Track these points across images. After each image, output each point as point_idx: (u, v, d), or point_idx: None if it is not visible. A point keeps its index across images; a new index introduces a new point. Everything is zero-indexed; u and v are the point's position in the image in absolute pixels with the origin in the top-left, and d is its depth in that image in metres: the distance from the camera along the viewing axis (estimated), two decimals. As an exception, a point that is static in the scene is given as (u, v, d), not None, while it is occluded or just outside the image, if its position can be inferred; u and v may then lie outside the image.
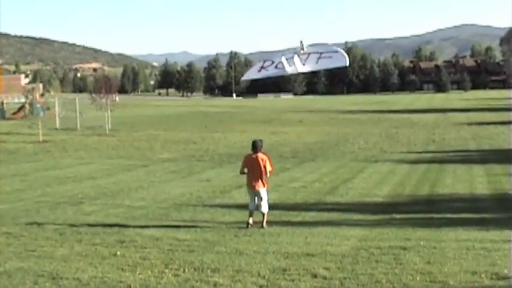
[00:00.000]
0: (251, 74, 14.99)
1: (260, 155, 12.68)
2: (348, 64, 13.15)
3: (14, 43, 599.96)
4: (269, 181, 13.22)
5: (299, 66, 13.16)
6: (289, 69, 13.34)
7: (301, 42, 13.21)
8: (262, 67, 13.99)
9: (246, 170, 12.76)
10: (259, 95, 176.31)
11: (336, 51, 13.67)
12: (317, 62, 13.21)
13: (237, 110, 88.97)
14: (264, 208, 12.59)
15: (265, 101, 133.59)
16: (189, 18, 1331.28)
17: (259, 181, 12.57)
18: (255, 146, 12.76)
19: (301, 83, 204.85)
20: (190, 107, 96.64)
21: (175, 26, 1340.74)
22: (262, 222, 12.54)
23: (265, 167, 12.56)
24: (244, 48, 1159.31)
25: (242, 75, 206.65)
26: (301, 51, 13.11)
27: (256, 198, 12.61)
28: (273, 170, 12.98)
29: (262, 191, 12.61)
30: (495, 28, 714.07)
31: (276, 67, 13.51)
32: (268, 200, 12.76)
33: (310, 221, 13.77)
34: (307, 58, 13.11)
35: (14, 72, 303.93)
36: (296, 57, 13.08)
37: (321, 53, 13.21)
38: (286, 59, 13.22)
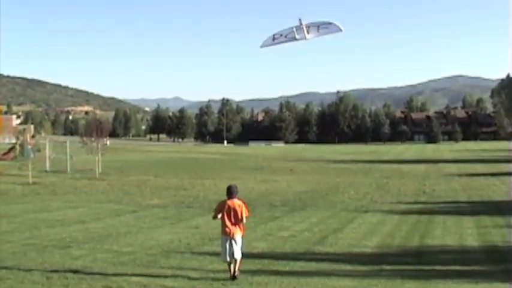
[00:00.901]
0: (266, 43, 16.13)
1: (236, 201, 12.43)
2: (343, 30, 14.88)
3: (6, 83, 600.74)
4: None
5: (306, 35, 15.03)
6: (298, 36, 15.09)
7: (299, 19, 14.91)
8: (274, 39, 15.57)
9: (219, 216, 12.41)
10: (250, 142, 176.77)
11: (331, 23, 15.19)
12: (318, 31, 15.11)
13: (228, 157, 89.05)
14: (238, 254, 12.30)
15: (256, 149, 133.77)
16: (182, 65, 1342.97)
17: (237, 227, 12.32)
18: (231, 192, 12.52)
19: (292, 131, 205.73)
20: (181, 153, 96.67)
21: (168, 72, 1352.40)
22: (235, 269, 12.31)
23: (241, 213, 12.31)
24: (236, 96, 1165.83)
25: (234, 122, 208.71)
26: (301, 26, 14.97)
27: (230, 244, 12.26)
28: (249, 215, 12.68)
29: (238, 237, 12.34)
30: (485, 79, 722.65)
31: (285, 37, 15.36)
32: (242, 247, 12.51)
33: (299, 271, 13.66)
34: (309, 28, 15.01)
35: (6, 113, 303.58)
36: (304, 27, 14.98)
37: (318, 26, 15.12)
38: (295, 29, 15.09)
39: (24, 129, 59.53)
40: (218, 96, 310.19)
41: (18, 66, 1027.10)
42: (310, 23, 15.19)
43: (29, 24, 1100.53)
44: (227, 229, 12.33)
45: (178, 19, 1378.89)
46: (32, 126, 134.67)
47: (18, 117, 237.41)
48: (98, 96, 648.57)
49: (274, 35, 15.59)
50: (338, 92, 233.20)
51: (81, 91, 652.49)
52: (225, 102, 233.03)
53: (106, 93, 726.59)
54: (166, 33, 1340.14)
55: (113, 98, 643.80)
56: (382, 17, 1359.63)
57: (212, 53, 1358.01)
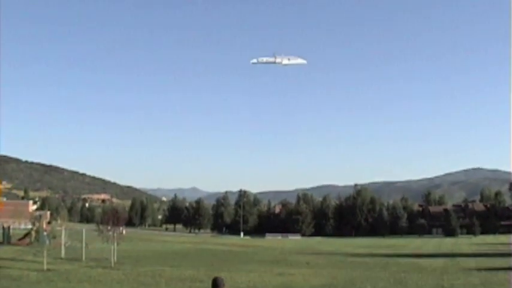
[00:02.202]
0: (253, 61, 17.98)
1: None
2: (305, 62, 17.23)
3: (24, 169, 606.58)
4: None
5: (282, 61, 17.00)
6: (277, 61, 16.92)
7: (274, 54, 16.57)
8: (257, 61, 17.00)
9: None
10: (267, 234, 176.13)
11: (297, 57, 17.39)
12: (289, 60, 17.26)
13: (245, 249, 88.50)
14: None
15: (272, 241, 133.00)
16: (199, 156, 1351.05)
17: None
18: (216, 284, 11.19)
19: (309, 224, 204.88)
20: (197, 244, 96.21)
21: (185, 163, 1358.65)
22: None
23: None
24: (254, 187, 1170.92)
25: (251, 214, 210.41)
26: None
27: None
28: None
29: None
30: (504, 172, 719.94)
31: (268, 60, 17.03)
32: None
33: None
34: (282, 58, 17.12)
35: (23, 198, 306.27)
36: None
37: (289, 58, 17.10)
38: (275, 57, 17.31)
39: (40, 216, 59.84)
40: (235, 188, 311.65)
41: (36, 152, 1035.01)
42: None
43: (47, 111, 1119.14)
44: None
45: (195, 111, 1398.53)
46: (48, 213, 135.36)
47: (35, 203, 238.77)
48: (114, 184, 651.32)
49: (258, 59, 17.33)
50: (356, 185, 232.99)
51: (98, 179, 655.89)
52: (242, 193, 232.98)
53: (123, 181, 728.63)
54: (183, 123, 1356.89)
55: (129, 187, 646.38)
56: (398, 110, 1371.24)
57: (229, 145, 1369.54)
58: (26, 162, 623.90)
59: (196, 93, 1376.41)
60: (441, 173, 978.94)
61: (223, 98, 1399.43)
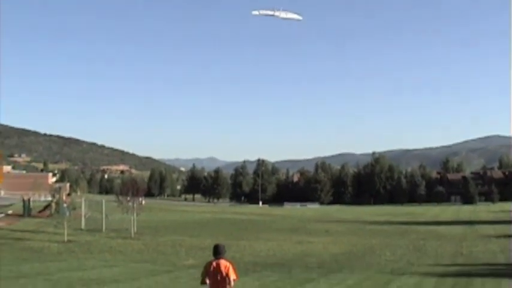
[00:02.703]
0: (255, 12, 20.14)
1: (223, 262, 11.18)
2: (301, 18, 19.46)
3: (43, 141, 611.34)
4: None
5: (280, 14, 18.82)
6: (276, 14, 18.96)
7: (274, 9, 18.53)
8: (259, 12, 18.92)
9: (207, 281, 11.11)
10: (285, 203, 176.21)
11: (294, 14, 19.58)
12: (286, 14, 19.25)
13: (263, 218, 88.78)
14: None
15: (291, 210, 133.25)
16: (217, 125, 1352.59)
17: None
18: (218, 251, 11.31)
19: (327, 192, 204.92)
20: (216, 214, 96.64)
21: (203, 133, 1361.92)
22: None
23: (228, 275, 11.02)
24: (272, 156, 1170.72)
25: (269, 183, 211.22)
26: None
27: None
28: (237, 278, 11.31)
29: None
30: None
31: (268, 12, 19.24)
32: None
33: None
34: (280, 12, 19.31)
35: (42, 170, 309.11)
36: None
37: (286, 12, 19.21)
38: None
39: (60, 187, 59.98)
40: (253, 157, 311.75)
41: (55, 124, 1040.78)
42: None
43: (65, 84, 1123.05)
44: None
45: (210, 81, 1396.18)
46: (67, 185, 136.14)
47: (54, 175, 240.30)
48: (133, 155, 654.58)
49: (259, 11, 18.73)
50: (373, 153, 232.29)
51: (116, 150, 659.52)
52: (260, 162, 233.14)
53: (141, 152, 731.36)
54: (200, 92, 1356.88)
55: (148, 158, 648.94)
56: (413, 80, 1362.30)
57: (247, 115, 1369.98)
58: (45, 134, 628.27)
59: (213, 64, 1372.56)
60: (459, 140, 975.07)
61: (240, 69, 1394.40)
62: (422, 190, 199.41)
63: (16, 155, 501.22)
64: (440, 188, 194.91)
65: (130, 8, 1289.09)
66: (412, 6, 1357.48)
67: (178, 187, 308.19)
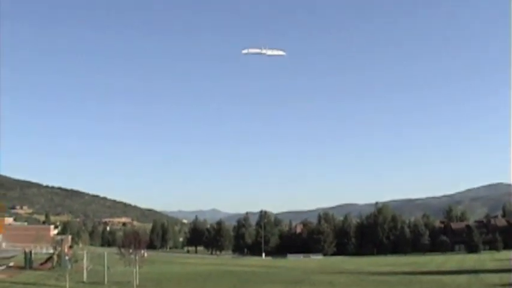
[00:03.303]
0: (244, 51, 21.22)
1: None
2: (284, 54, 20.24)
3: (45, 193, 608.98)
4: None
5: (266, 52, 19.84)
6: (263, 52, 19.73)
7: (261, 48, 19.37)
8: (248, 51, 19.93)
9: None
10: (288, 255, 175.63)
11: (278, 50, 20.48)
12: (272, 51, 20.19)
13: (267, 269, 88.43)
14: None
15: (295, 262, 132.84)
16: (219, 178, 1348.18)
17: None
18: None
19: (331, 243, 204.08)
20: (218, 266, 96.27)
21: (205, 185, 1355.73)
22: None
23: None
24: (274, 208, 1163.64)
25: (272, 235, 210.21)
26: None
27: None
28: None
29: None
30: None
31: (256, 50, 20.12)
32: None
33: None
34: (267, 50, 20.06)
35: (44, 223, 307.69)
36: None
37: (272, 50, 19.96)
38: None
39: (62, 240, 60.19)
40: (256, 209, 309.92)
41: (57, 176, 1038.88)
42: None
43: (66, 136, 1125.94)
44: None
45: (213, 135, 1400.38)
46: (69, 237, 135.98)
47: (56, 227, 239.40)
48: (135, 207, 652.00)
49: (248, 50, 19.77)
50: (376, 203, 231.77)
51: (119, 202, 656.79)
52: (263, 214, 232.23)
53: (144, 204, 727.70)
54: (202, 148, 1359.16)
55: (150, 210, 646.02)
56: (415, 130, 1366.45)
57: (249, 168, 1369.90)
58: (47, 186, 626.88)
59: (214, 118, 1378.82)
60: (462, 189, 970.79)
61: (242, 123, 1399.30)
62: (426, 240, 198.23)
63: (18, 207, 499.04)
64: (444, 237, 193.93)
65: (118, 67, 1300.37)
66: (405, 59, 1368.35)
67: (181, 239, 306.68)
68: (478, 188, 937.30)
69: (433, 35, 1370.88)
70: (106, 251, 65.46)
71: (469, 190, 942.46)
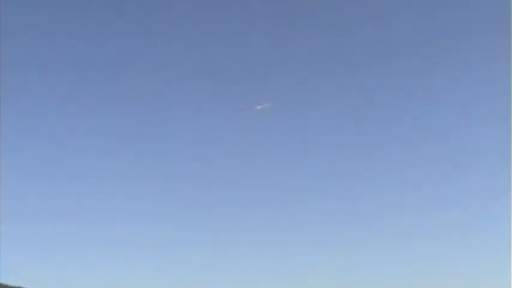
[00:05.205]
0: (242, 110, 22.19)
1: None
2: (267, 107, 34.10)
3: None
4: None
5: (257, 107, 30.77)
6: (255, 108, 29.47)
7: (253, 106, 21.21)
8: (243, 109, 22.47)
9: None
10: None
11: (265, 104, 33.40)
12: (261, 106, 37.48)
13: None
14: None
15: None
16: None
17: None
18: None
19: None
20: None
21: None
22: None
23: None
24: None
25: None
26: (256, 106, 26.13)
27: None
28: None
29: None
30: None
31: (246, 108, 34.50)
32: None
33: None
34: (258, 107, 36.20)
35: None
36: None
37: (261, 106, 33.89)
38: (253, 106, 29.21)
39: None
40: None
41: (53, 281, 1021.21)
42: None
43: (62, 246, 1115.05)
44: None
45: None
46: None
47: None
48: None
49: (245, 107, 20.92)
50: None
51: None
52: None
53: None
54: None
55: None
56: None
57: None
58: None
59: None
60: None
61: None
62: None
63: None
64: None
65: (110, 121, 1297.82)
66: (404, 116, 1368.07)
67: None
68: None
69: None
70: None
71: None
